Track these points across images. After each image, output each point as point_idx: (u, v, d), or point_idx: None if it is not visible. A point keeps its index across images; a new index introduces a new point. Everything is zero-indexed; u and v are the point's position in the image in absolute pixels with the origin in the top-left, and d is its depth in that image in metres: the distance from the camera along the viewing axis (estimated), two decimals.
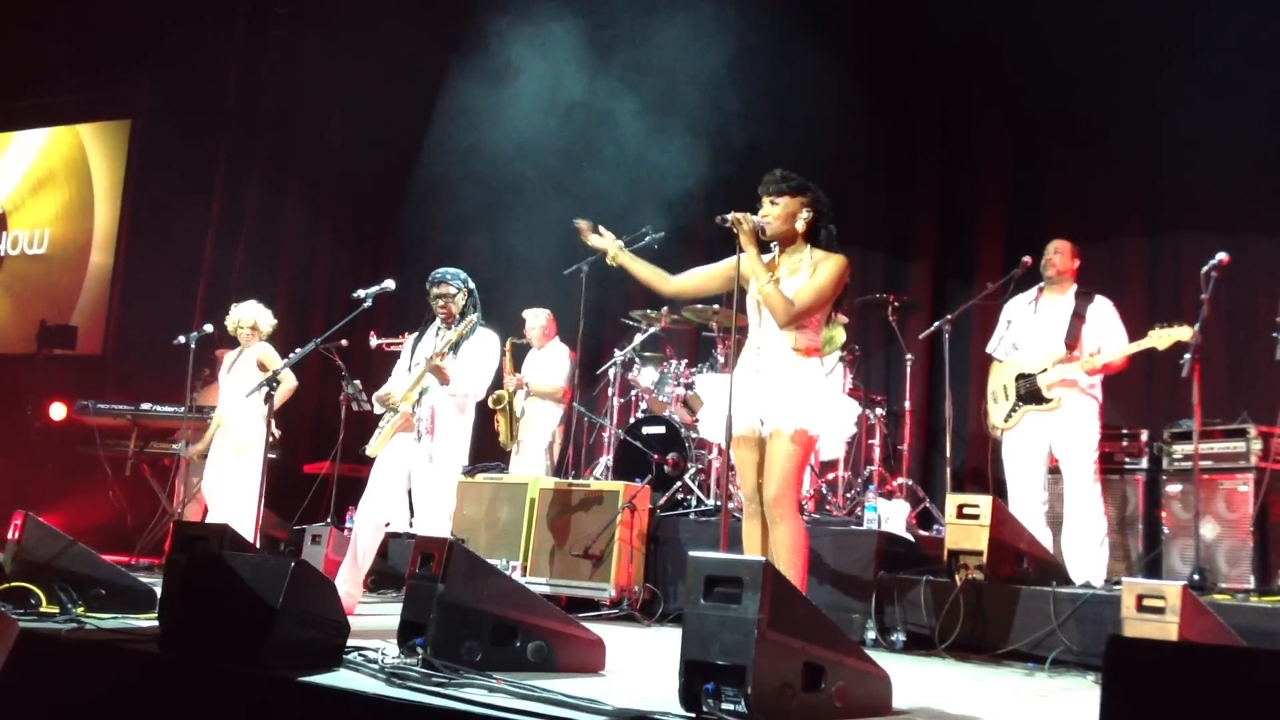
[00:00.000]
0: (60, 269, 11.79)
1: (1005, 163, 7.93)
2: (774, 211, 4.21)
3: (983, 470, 6.87)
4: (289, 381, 6.58)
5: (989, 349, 6.02)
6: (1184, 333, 5.24)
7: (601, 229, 4.45)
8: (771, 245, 4.31)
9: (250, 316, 6.91)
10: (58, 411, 9.63)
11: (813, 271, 4.16)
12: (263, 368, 6.58)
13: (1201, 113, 6.87)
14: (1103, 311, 5.68)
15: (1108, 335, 5.62)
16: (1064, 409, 5.58)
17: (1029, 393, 5.66)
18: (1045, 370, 5.62)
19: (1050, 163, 7.69)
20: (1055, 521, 5.75)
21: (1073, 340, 5.62)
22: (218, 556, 3.71)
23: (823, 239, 4.25)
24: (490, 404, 7.38)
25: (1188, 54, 6.74)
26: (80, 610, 4.32)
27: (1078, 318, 5.66)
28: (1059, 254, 5.77)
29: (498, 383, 7.34)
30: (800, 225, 4.22)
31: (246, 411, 6.59)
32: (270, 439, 6.25)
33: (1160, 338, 5.32)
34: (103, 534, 8.00)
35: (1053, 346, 5.65)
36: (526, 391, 7.61)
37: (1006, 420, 5.75)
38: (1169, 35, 6.82)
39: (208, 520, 6.73)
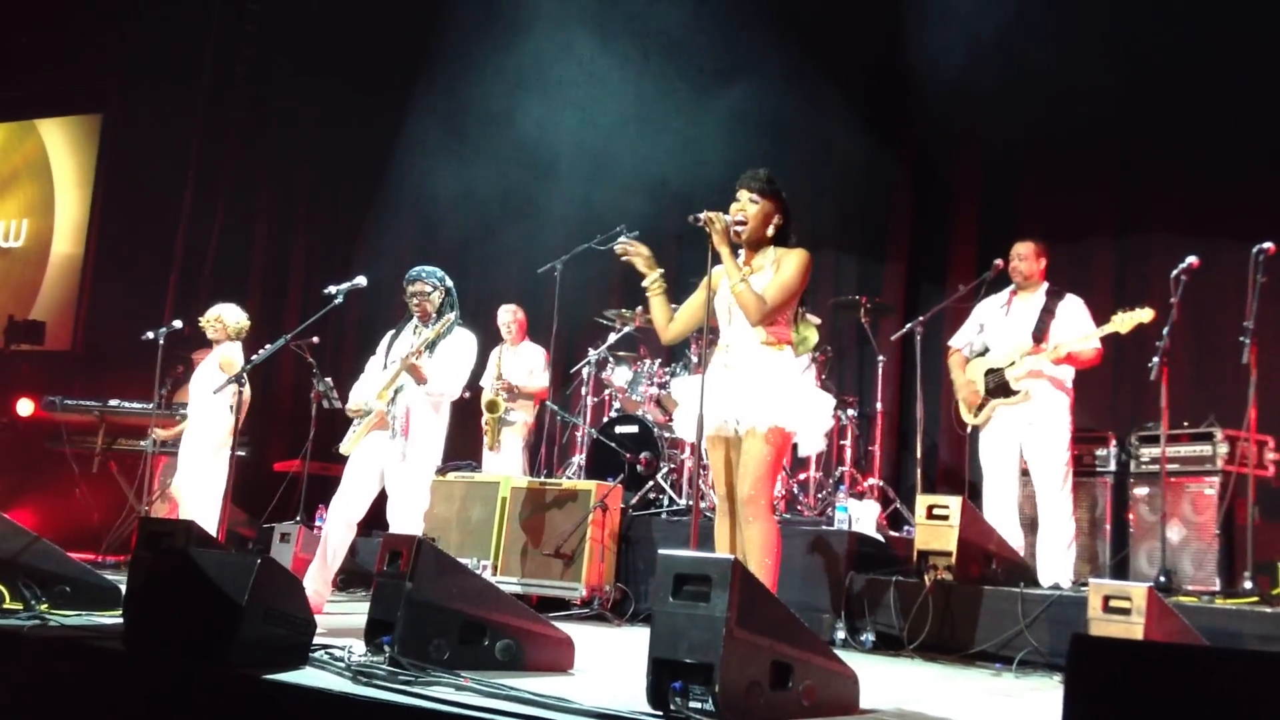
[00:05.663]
0: (23, 264, 11.66)
1: (977, 166, 7.97)
2: (753, 210, 4.21)
3: (953, 471, 6.91)
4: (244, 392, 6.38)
5: (952, 342, 6.06)
6: (1145, 315, 5.28)
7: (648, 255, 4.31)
8: (740, 248, 4.31)
9: (216, 313, 6.85)
10: (25, 407, 9.52)
11: (777, 267, 4.17)
12: (224, 369, 6.49)
13: (1170, 117, 6.93)
14: (1072, 308, 5.72)
15: (1077, 331, 5.65)
16: (1033, 402, 5.60)
17: (997, 386, 5.70)
18: (1013, 364, 5.66)
19: (1021, 166, 7.73)
20: (1028, 523, 5.78)
21: (1040, 334, 5.65)
22: (183, 552, 3.67)
23: (790, 243, 4.27)
24: (485, 409, 7.32)
25: (1156, 60, 6.79)
26: (44, 607, 4.24)
27: (1047, 313, 5.70)
28: (1023, 259, 5.80)
29: (474, 383, 7.32)
30: (771, 230, 4.25)
31: (212, 410, 6.54)
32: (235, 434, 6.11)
33: (1122, 321, 5.36)
34: (69, 531, 7.91)
35: (1021, 341, 5.69)
36: (510, 394, 7.51)
37: (977, 415, 5.78)
38: (1137, 41, 6.87)
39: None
